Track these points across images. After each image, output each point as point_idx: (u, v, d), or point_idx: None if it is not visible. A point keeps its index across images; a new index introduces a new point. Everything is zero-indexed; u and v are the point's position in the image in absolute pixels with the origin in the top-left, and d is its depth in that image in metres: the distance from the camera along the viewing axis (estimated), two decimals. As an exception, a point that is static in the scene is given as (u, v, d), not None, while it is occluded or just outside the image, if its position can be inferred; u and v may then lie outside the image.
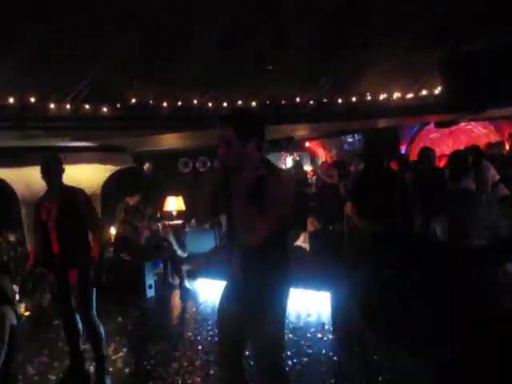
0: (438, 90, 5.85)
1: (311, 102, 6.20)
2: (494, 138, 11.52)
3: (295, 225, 7.38)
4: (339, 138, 14.67)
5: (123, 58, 4.94)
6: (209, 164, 12.77)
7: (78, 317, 4.02)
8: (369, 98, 6.10)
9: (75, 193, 4.02)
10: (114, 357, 4.61)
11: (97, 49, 4.65)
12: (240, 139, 2.35)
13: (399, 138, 13.93)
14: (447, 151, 11.80)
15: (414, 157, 13.38)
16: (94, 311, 4.00)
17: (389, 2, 5.07)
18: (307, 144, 15.55)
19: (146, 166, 12.54)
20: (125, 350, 4.85)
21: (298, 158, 15.78)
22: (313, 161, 15.91)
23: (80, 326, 4.05)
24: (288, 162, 15.56)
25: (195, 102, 5.80)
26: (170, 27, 4.88)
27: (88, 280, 3.89)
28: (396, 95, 6.06)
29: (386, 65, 5.60)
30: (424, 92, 5.89)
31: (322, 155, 15.70)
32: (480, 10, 4.96)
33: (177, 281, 7.03)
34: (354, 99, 6.11)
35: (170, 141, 8.54)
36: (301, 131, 10.04)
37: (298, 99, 6.13)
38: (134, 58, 5.11)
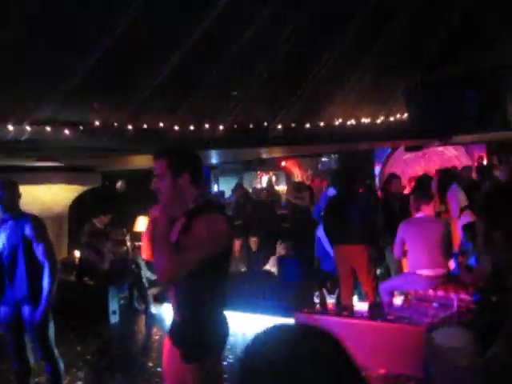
0: (404, 117, 5.91)
1: (279, 127, 6.18)
2: (465, 161, 11.73)
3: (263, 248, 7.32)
4: (315, 158, 14.76)
5: (87, 82, 4.85)
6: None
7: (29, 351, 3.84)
8: (337, 123, 6.12)
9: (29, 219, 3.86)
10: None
11: (58, 73, 4.54)
12: (171, 172, 2.32)
13: (374, 158, 14.10)
14: (420, 172, 11.96)
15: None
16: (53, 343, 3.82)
17: (359, 30, 5.11)
18: (283, 163, 15.59)
19: (119, 184, 12.37)
20: (79, 383, 4.65)
21: (272, 178, 15.79)
22: (289, 180, 15.92)
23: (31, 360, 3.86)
24: (264, 180, 15.54)
25: (161, 124, 5.73)
26: (132, 52, 4.83)
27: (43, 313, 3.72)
28: (364, 120, 6.09)
29: (354, 91, 5.62)
30: (391, 118, 5.93)
31: (298, 174, 15.74)
32: (444, 40, 5.03)
33: (143, 306, 6.85)
34: (321, 124, 6.12)
35: (143, 161, 8.43)
36: (275, 153, 10.05)
37: (265, 123, 6.11)
38: (98, 81, 5.04)
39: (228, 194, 12.29)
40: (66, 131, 5.34)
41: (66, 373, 4.76)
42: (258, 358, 0.81)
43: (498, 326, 1.24)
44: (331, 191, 6.50)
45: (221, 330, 2.33)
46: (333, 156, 14.53)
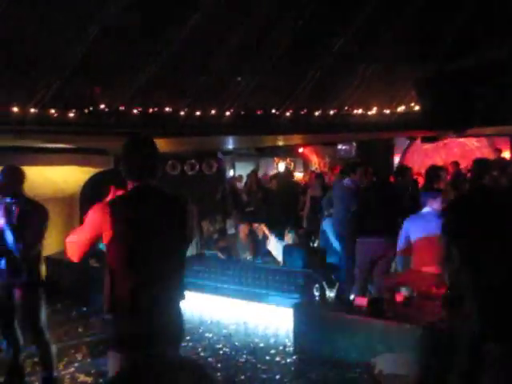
0: (416, 108, 5.69)
1: (288, 114, 6.04)
2: (487, 152, 11.34)
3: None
4: (333, 146, 14.49)
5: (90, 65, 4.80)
6: (197, 167, 12.63)
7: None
8: (347, 112, 5.94)
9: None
10: (63, 372, 4.46)
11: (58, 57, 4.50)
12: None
13: (393, 148, 13.76)
14: (440, 163, 11.64)
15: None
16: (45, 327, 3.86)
17: (371, 18, 4.92)
18: (301, 150, 15.39)
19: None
20: (76, 365, 4.70)
21: (291, 164, 15.63)
22: (306, 167, 15.74)
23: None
24: (280, 167, 15.39)
25: (167, 109, 5.66)
26: (138, 33, 4.75)
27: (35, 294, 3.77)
28: (376, 110, 5.89)
29: (365, 80, 5.43)
30: (403, 108, 5.72)
31: (316, 162, 15.54)
32: (458, 32, 4.81)
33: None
34: (331, 112, 5.95)
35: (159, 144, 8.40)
36: (288, 139, 9.88)
37: (273, 110, 5.98)
38: (104, 64, 5.00)
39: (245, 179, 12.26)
40: (71, 114, 5.33)
41: (64, 354, 4.87)
42: None
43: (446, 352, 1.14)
44: (347, 182, 6.36)
45: (131, 326, 2.39)
46: (350, 145, 14.25)
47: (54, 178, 8.00)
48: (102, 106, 5.46)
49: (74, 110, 5.29)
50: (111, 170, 8.99)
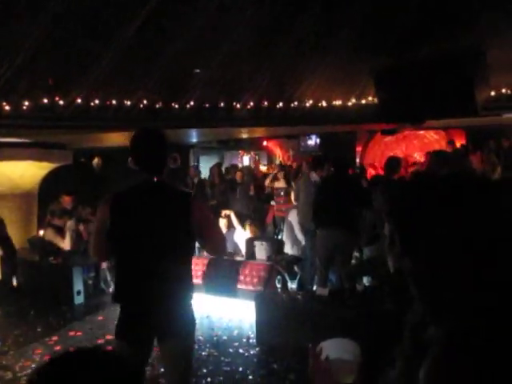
0: (375, 100, 5.79)
1: (249, 106, 6.02)
2: (445, 145, 11.67)
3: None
4: (297, 139, 14.60)
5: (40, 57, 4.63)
6: (179, 162, 12.47)
7: None
8: (308, 104, 5.97)
9: None
10: (19, 374, 4.33)
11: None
12: None
13: (356, 140, 13.98)
14: (401, 155, 11.89)
15: (369, 159, 13.49)
16: None
17: (328, 11, 4.93)
18: (265, 143, 15.43)
19: (95, 161, 12.12)
20: (34, 366, 4.57)
21: (256, 157, 15.64)
22: (270, 160, 15.79)
23: None
24: (245, 160, 15.38)
25: (114, 102, 5.55)
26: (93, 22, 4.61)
27: None
28: (334, 103, 5.96)
29: (324, 72, 5.45)
30: (362, 101, 5.80)
31: (280, 155, 15.62)
32: (415, 22, 4.88)
33: (110, 287, 6.75)
34: (293, 105, 5.97)
35: (119, 138, 8.21)
36: (256, 132, 9.88)
37: (235, 103, 5.95)
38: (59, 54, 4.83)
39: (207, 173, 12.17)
40: (24, 107, 5.14)
41: (21, 354, 4.73)
42: None
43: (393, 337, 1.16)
44: (313, 176, 6.41)
45: (121, 314, 2.48)
46: (314, 138, 14.38)
47: (9, 174, 7.72)
48: (57, 99, 5.29)
49: (27, 103, 5.10)
50: (70, 165, 8.78)
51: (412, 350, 1.08)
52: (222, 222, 6.73)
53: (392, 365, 1.15)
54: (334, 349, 1.14)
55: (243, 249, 6.56)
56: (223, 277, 6.03)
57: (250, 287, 5.79)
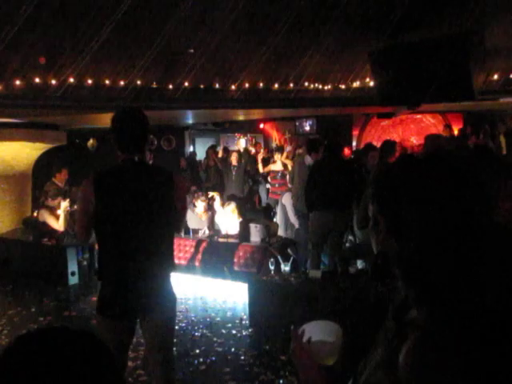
0: (370, 83, 5.73)
1: (245, 87, 5.96)
2: (442, 129, 11.64)
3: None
4: (293, 122, 14.51)
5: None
6: (156, 143, 12.42)
7: None
8: (303, 86, 5.92)
9: None
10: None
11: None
12: None
13: (353, 123, 13.91)
14: (397, 139, 11.87)
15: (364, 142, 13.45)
16: None
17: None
18: (262, 126, 15.35)
19: (90, 142, 12.05)
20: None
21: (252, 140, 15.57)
22: (267, 143, 15.72)
23: None
24: (241, 143, 15.30)
25: (107, 82, 5.48)
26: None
27: None
28: (330, 85, 5.90)
29: (320, 55, 5.39)
30: (357, 84, 5.75)
31: (276, 137, 15.55)
32: (412, 3, 4.80)
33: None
34: (289, 87, 5.91)
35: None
36: (252, 114, 9.79)
37: (230, 84, 5.89)
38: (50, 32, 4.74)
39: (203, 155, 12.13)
40: (16, 86, 5.08)
41: (16, 333, 4.76)
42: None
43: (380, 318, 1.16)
44: (308, 159, 6.38)
45: (104, 291, 2.52)
46: (310, 121, 14.30)
47: (2, 155, 7.66)
48: (49, 78, 5.22)
49: (18, 82, 5.03)
50: (64, 146, 8.72)
51: (393, 333, 1.08)
52: (202, 205, 6.69)
53: (374, 347, 1.16)
54: (315, 331, 1.14)
55: (223, 230, 6.54)
56: (218, 259, 6.05)
57: (244, 269, 5.82)
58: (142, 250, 2.46)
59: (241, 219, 6.55)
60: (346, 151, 9.83)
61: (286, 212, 6.98)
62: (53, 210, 6.50)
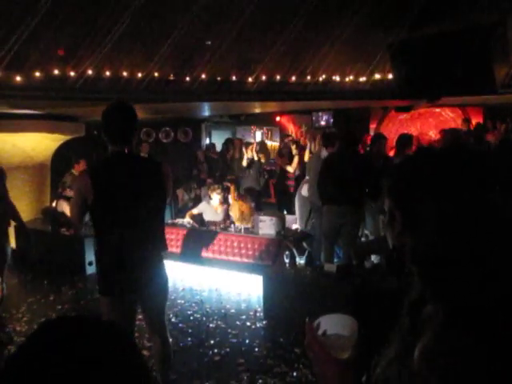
0: (389, 76, 5.65)
1: (261, 80, 5.94)
2: (461, 123, 11.45)
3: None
4: (309, 115, 14.42)
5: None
6: (172, 135, 12.46)
7: None
8: (321, 79, 5.87)
9: None
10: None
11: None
12: None
13: (370, 117, 13.76)
14: (415, 133, 11.71)
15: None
16: None
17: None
18: (278, 118, 15.29)
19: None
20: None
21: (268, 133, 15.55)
22: (283, 136, 15.67)
23: None
24: (257, 135, 15.29)
25: (125, 74, 5.51)
26: None
27: None
28: (348, 78, 5.84)
29: (338, 47, 5.33)
30: (376, 77, 5.68)
31: (292, 130, 15.48)
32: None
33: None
34: (306, 80, 5.87)
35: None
36: (268, 107, 9.75)
37: (247, 77, 5.87)
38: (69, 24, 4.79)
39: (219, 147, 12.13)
40: (35, 78, 5.14)
41: (35, 320, 4.86)
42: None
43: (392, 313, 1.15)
44: (324, 153, 6.33)
45: (104, 273, 2.71)
46: (326, 115, 14.18)
47: (22, 146, 7.78)
48: (68, 70, 5.27)
49: (38, 74, 5.09)
50: (82, 138, 8.82)
51: (409, 328, 1.07)
52: (217, 198, 6.65)
53: (389, 342, 1.15)
54: (331, 324, 1.13)
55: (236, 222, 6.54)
56: (231, 251, 6.07)
57: (259, 262, 5.83)
58: (136, 234, 2.65)
59: (253, 213, 6.55)
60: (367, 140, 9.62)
61: (304, 203, 6.92)
62: (69, 200, 6.58)
